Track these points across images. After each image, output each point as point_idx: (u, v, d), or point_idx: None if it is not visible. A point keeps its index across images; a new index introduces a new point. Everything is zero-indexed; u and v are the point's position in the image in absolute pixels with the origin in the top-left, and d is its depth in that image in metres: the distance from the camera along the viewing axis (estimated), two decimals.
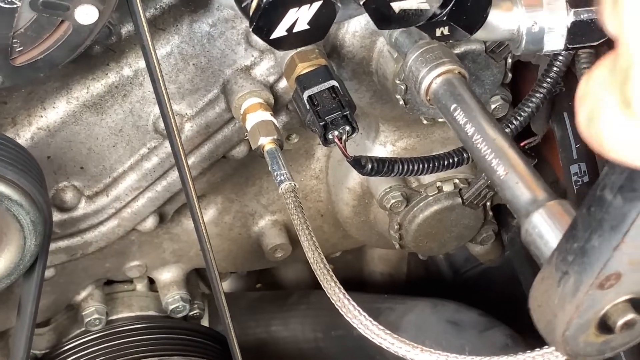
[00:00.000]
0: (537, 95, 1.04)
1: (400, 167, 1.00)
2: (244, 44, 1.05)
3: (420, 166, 1.02)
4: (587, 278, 0.56)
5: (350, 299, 0.79)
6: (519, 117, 1.04)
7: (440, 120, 1.09)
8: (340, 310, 0.80)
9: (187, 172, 0.97)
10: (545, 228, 0.65)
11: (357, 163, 0.97)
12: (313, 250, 0.87)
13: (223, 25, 1.03)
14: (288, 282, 1.64)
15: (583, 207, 0.55)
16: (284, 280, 1.63)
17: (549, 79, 1.03)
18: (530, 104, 1.04)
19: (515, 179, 0.69)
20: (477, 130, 0.74)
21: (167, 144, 1.08)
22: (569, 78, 1.07)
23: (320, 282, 0.85)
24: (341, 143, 0.94)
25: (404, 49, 0.85)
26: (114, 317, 1.26)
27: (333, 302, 0.81)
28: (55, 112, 1.03)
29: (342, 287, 0.80)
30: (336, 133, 0.93)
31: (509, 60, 1.06)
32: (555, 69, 1.03)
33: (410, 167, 1.01)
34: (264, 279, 1.63)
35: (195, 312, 1.29)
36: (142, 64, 1.03)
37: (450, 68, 0.81)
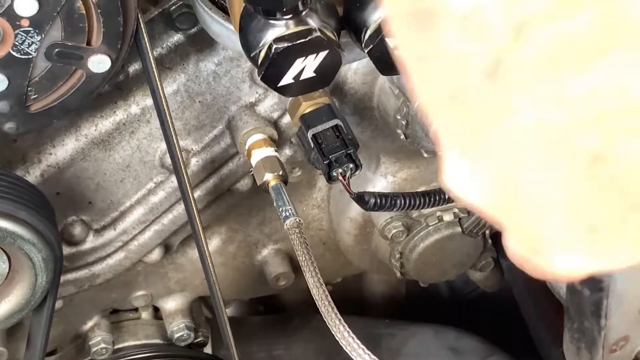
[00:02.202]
0: None
1: (402, 202, 1.03)
2: (249, 81, 1.07)
3: (422, 200, 1.04)
4: (596, 351, 0.59)
5: (360, 344, 0.81)
6: None
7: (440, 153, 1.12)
8: (347, 351, 0.82)
9: (194, 206, 1.00)
10: None
11: (361, 199, 0.99)
12: (318, 287, 0.90)
13: (228, 63, 1.06)
14: (290, 306, 1.66)
15: (568, 289, 0.59)
16: (286, 303, 1.65)
17: None
18: None
19: None
20: None
21: (173, 178, 1.10)
22: None
23: (326, 320, 0.88)
24: (345, 180, 0.96)
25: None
26: (120, 345, 1.28)
27: (339, 341, 0.84)
28: (65, 149, 1.06)
29: (350, 331, 0.82)
30: (340, 171, 0.96)
31: None
32: None
33: (412, 201, 1.03)
34: (266, 303, 1.65)
35: (199, 339, 1.31)
36: (149, 101, 1.06)
37: None
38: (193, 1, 0.96)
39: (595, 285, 0.56)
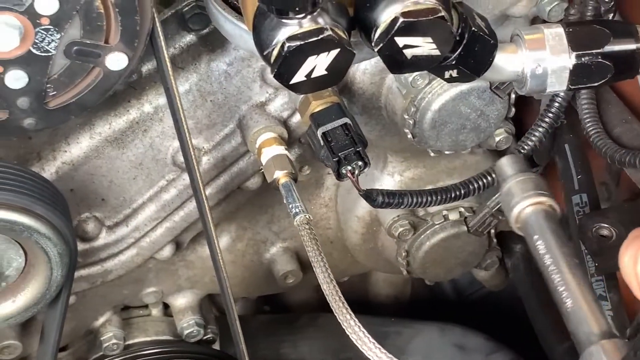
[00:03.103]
0: (540, 129, 1.09)
1: (410, 199, 1.05)
2: (259, 81, 1.10)
3: (429, 198, 1.06)
4: None
5: (371, 338, 0.83)
6: (522, 150, 1.09)
7: (446, 152, 1.14)
8: (358, 345, 0.84)
9: (206, 204, 1.02)
10: None
11: (369, 196, 1.02)
12: (328, 283, 0.92)
13: (239, 63, 1.08)
14: (295, 305, 1.67)
15: (631, 349, 0.61)
16: (291, 302, 1.67)
17: (550, 114, 1.08)
18: (533, 138, 1.09)
19: (580, 314, 0.78)
20: (553, 262, 0.82)
21: (184, 176, 1.12)
22: (569, 111, 1.12)
23: (337, 315, 0.89)
24: (354, 177, 0.99)
25: (504, 176, 0.89)
26: (131, 341, 1.30)
27: (350, 335, 0.86)
28: (79, 147, 1.08)
29: (360, 325, 0.84)
30: (349, 168, 0.98)
31: (512, 96, 1.11)
32: (556, 104, 1.07)
33: (419, 199, 1.05)
34: (272, 302, 1.67)
35: (209, 336, 1.33)
36: (162, 100, 1.08)
37: (542, 200, 0.85)
38: (206, 1, 0.98)
39: None
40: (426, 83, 1.06)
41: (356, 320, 0.88)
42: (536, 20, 1.11)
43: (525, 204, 0.85)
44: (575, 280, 0.81)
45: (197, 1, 1.06)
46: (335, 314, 0.90)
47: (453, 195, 1.07)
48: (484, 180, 1.08)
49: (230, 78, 1.09)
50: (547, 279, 0.83)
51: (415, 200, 1.05)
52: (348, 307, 0.88)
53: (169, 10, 1.06)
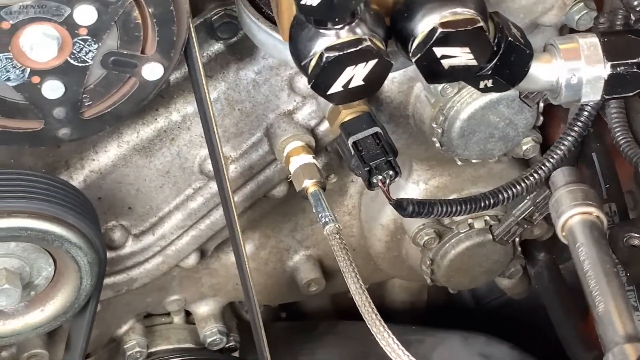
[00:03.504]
0: (569, 138, 1.08)
1: (440, 209, 1.04)
2: (287, 89, 1.09)
3: (458, 208, 1.06)
4: None
5: (405, 350, 0.83)
6: (551, 160, 1.08)
7: (473, 161, 1.14)
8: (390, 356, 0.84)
9: (234, 211, 1.01)
10: None
11: (399, 206, 1.01)
12: (360, 293, 0.92)
13: (268, 72, 1.08)
14: (311, 311, 1.67)
15: None
16: (307, 309, 1.67)
17: (580, 123, 1.08)
18: (562, 147, 1.08)
19: (609, 317, 0.79)
20: (591, 269, 0.84)
21: (211, 184, 1.12)
22: (596, 120, 1.12)
23: (369, 326, 0.89)
24: (385, 187, 0.98)
25: (556, 185, 0.90)
26: (153, 349, 1.29)
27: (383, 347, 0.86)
28: (107, 155, 1.08)
29: (394, 337, 0.84)
30: (380, 177, 0.98)
31: (541, 104, 1.10)
32: (586, 113, 1.07)
33: (449, 208, 1.05)
34: (288, 308, 1.67)
35: (231, 344, 1.33)
36: (190, 109, 1.08)
37: (589, 210, 0.85)
38: (239, 11, 0.98)
39: None
40: (455, 92, 1.06)
41: (389, 332, 0.88)
42: (564, 29, 1.11)
43: (572, 212, 0.85)
44: (610, 287, 0.82)
45: (225, 10, 1.05)
46: (368, 325, 0.90)
47: (482, 204, 1.07)
48: (513, 190, 1.07)
49: (258, 86, 1.08)
50: (584, 284, 0.84)
51: (445, 209, 1.05)
52: (381, 319, 0.89)
53: (198, 18, 1.06)
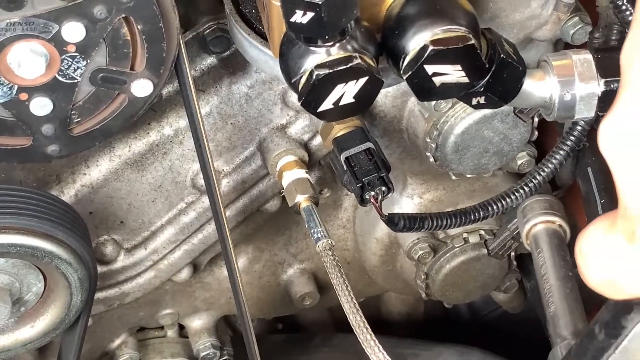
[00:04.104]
0: (561, 152, 1.07)
1: (430, 222, 1.03)
2: (280, 104, 1.09)
3: (449, 221, 1.05)
4: None
5: None
6: (542, 173, 1.07)
7: (468, 175, 1.13)
8: None
9: (226, 226, 1.00)
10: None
11: (391, 221, 1.00)
12: (354, 313, 0.91)
13: (261, 86, 1.07)
14: (308, 323, 1.66)
15: (580, 337, 0.63)
16: (304, 321, 1.66)
17: (573, 137, 1.07)
18: (554, 161, 1.07)
19: (559, 317, 0.79)
20: (547, 273, 0.87)
21: (204, 199, 1.11)
22: (592, 134, 1.11)
23: (361, 342, 0.89)
24: (377, 203, 0.97)
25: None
26: None
27: None
28: (98, 169, 1.07)
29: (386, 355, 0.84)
30: (372, 193, 0.97)
31: (536, 119, 1.10)
32: (579, 127, 1.06)
33: (439, 222, 1.04)
34: (284, 319, 1.66)
35: (224, 357, 1.32)
36: (182, 123, 1.07)
37: (552, 220, 0.86)
38: (230, 26, 0.97)
39: (613, 332, 0.59)
40: (449, 106, 1.05)
41: (385, 353, 0.87)
42: (558, 43, 1.10)
43: (536, 221, 0.87)
44: (562, 289, 0.83)
45: (218, 24, 1.05)
46: (363, 345, 0.89)
47: (473, 217, 1.06)
48: (503, 202, 1.06)
49: (251, 101, 1.08)
50: (540, 287, 0.85)
51: (435, 223, 1.04)
52: (375, 339, 0.88)
53: (190, 32, 1.06)
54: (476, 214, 1.06)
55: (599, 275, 0.58)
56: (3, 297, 0.96)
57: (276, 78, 0.99)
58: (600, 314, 0.63)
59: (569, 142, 1.07)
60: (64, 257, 0.95)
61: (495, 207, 1.06)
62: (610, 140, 0.56)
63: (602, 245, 0.58)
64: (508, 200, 1.06)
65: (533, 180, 1.07)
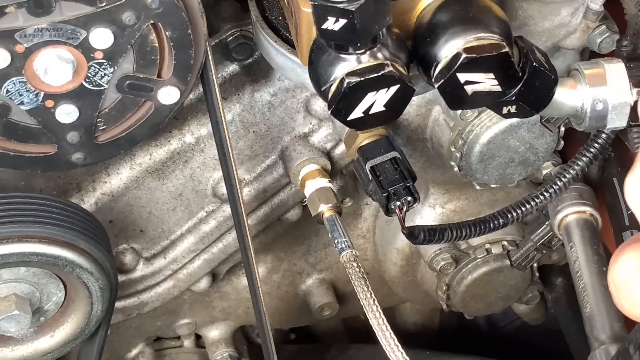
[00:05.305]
0: (584, 158, 1.05)
1: (450, 233, 1.01)
2: (303, 112, 1.07)
3: (468, 231, 1.03)
4: None
5: None
6: (563, 179, 1.05)
7: (492, 185, 1.11)
8: None
9: (248, 236, 0.99)
10: None
11: (411, 235, 0.98)
12: (380, 324, 0.89)
13: (284, 94, 1.06)
14: (321, 333, 1.65)
15: (616, 355, 0.62)
16: (317, 331, 1.65)
17: (597, 145, 1.05)
18: (576, 167, 1.05)
19: (596, 318, 0.84)
20: (581, 269, 0.88)
21: (224, 207, 1.10)
22: (618, 145, 1.10)
23: (388, 354, 0.87)
24: (402, 214, 0.96)
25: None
26: None
27: None
28: (119, 177, 1.06)
29: None
30: (398, 204, 0.95)
31: (562, 129, 1.08)
32: (604, 135, 1.05)
33: (459, 232, 1.02)
34: (297, 329, 1.64)
35: None
36: (203, 131, 1.06)
37: (584, 210, 0.85)
38: (256, 33, 0.96)
39: None
40: (475, 115, 1.04)
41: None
42: (585, 52, 1.09)
43: (567, 212, 0.86)
44: (596, 288, 0.82)
45: (241, 31, 1.04)
46: (388, 355, 0.88)
47: (492, 225, 1.04)
48: (523, 209, 1.04)
49: (273, 109, 1.07)
50: (575, 284, 0.83)
51: (455, 234, 1.02)
52: (403, 351, 0.86)
53: (213, 39, 1.04)
54: (496, 222, 1.04)
55: (633, 307, 0.59)
56: (23, 306, 0.94)
57: (303, 86, 0.97)
58: (634, 333, 0.63)
59: (592, 149, 1.05)
60: (85, 267, 0.93)
61: (515, 213, 1.04)
62: (637, 195, 0.60)
63: (634, 279, 0.59)
64: (528, 206, 1.04)
65: (554, 185, 1.05)
